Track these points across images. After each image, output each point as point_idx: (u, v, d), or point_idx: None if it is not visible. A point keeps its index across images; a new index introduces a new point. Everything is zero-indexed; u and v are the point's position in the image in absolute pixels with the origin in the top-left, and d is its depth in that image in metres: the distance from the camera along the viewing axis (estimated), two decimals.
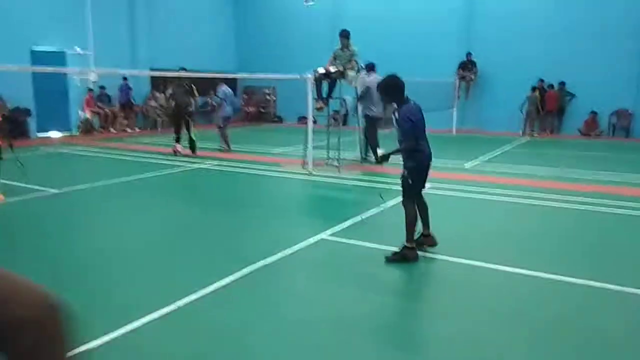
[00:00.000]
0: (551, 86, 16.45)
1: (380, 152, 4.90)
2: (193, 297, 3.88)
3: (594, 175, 9.32)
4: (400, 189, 4.91)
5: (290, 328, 3.51)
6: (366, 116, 10.20)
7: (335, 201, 7.78)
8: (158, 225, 6.19)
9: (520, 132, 16.38)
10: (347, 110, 16.45)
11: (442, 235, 5.13)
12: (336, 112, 10.13)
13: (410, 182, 4.80)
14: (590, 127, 16.19)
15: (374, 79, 10.02)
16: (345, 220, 6.12)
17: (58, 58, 15.27)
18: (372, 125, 10.15)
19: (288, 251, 4.97)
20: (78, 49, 15.83)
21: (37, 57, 14.65)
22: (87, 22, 16.04)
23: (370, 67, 10.32)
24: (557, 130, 16.86)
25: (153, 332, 3.41)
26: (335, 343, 3.31)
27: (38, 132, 15.18)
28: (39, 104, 15.12)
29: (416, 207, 4.97)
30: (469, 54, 17.45)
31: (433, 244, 5.05)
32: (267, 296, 4.04)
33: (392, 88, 4.83)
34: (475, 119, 17.57)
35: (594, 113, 16.10)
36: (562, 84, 16.48)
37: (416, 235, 5.07)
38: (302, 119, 15.74)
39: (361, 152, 10.41)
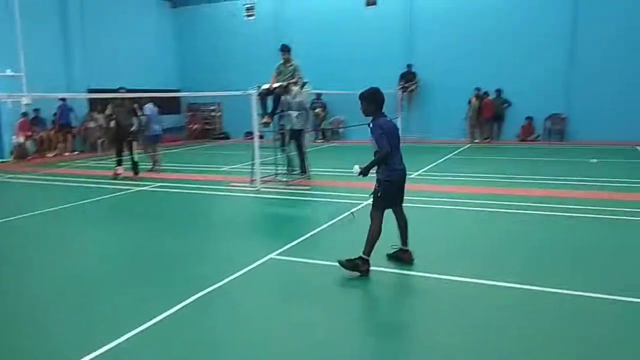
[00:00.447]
0: (486, 94, 17.07)
1: (357, 167, 4.83)
2: (136, 330, 3.69)
3: (535, 180, 9.68)
4: (371, 200, 4.91)
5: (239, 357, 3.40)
6: (293, 130, 10.01)
7: (283, 218, 7.70)
8: (98, 254, 5.89)
9: (469, 139, 16.91)
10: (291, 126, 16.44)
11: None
12: (282, 126, 10.08)
13: (379, 194, 4.81)
14: (527, 132, 16.93)
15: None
16: (294, 237, 6.06)
17: None
18: (293, 137, 10.05)
19: (235, 274, 4.84)
20: (9, 71, 15.05)
21: None
22: (17, 43, 15.30)
23: None
24: (497, 136, 17.51)
25: None
26: None
27: None
28: None
29: (396, 221, 5.01)
30: (409, 65, 17.91)
31: (410, 260, 5.03)
32: (212, 326, 3.89)
33: (373, 100, 4.83)
34: (419, 129, 17.98)
35: (529, 118, 16.86)
36: (499, 91, 17.17)
37: (394, 249, 5.10)
38: (249, 135, 15.59)
39: (300, 167, 10.25)
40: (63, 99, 16.19)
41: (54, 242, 6.45)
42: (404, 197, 5.07)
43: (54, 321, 4.05)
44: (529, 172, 10.48)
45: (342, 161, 13.00)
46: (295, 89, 9.30)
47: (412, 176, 10.35)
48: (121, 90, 11.31)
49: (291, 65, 9.45)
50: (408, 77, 17.91)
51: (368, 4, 18.69)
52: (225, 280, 4.68)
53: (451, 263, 5.11)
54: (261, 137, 10.95)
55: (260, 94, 9.30)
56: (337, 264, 4.78)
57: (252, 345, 3.55)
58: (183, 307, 4.12)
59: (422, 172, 10.96)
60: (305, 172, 10.11)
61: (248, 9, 20.68)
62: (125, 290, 4.63)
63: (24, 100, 15.36)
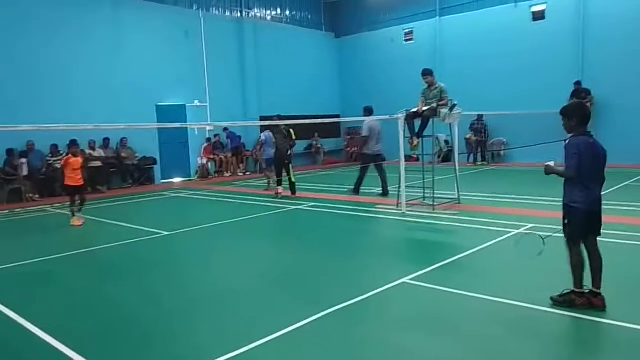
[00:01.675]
0: None
1: (552, 163, 4.53)
2: (264, 340, 4.01)
3: None
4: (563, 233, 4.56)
5: None
6: (364, 154, 11.62)
7: (424, 242, 7.59)
8: (246, 265, 6.49)
9: None
10: (441, 149, 16.46)
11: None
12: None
13: (566, 221, 4.48)
14: None
15: (373, 120, 11.31)
16: (432, 263, 5.97)
17: (179, 111, 17.05)
18: (365, 162, 11.60)
19: (366, 295, 4.95)
20: (196, 102, 17.54)
21: (162, 111, 16.51)
22: (204, 79, 17.78)
23: (369, 111, 11.52)
24: None
25: None
26: None
27: (162, 178, 16.85)
28: (163, 153, 16.87)
29: (586, 255, 4.49)
30: (579, 82, 16.28)
31: (600, 306, 4.34)
32: (336, 343, 4.05)
33: (574, 115, 4.45)
34: None
35: None
36: None
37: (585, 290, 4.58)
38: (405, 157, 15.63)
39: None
40: (226, 128, 18.26)
41: (206, 254, 7.31)
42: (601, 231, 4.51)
43: (200, 319, 4.62)
44: None
45: (496, 186, 12.31)
46: (444, 111, 9.18)
47: None
48: (276, 118, 12.47)
49: (436, 88, 9.35)
50: (580, 94, 16.26)
51: (535, 19, 17.59)
52: (354, 300, 4.81)
53: None
54: (417, 159, 11.23)
55: (407, 117, 9.38)
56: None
57: None
58: (312, 321, 4.36)
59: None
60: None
61: (407, 34, 20.98)
62: (259, 300, 5.06)
63: (208, 127, 17.75)
